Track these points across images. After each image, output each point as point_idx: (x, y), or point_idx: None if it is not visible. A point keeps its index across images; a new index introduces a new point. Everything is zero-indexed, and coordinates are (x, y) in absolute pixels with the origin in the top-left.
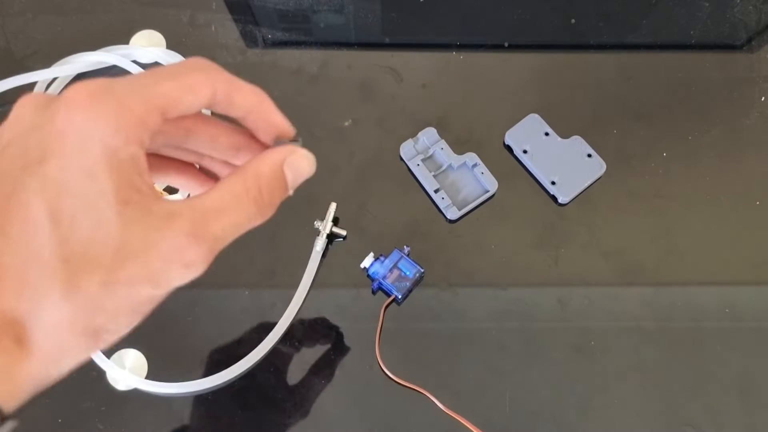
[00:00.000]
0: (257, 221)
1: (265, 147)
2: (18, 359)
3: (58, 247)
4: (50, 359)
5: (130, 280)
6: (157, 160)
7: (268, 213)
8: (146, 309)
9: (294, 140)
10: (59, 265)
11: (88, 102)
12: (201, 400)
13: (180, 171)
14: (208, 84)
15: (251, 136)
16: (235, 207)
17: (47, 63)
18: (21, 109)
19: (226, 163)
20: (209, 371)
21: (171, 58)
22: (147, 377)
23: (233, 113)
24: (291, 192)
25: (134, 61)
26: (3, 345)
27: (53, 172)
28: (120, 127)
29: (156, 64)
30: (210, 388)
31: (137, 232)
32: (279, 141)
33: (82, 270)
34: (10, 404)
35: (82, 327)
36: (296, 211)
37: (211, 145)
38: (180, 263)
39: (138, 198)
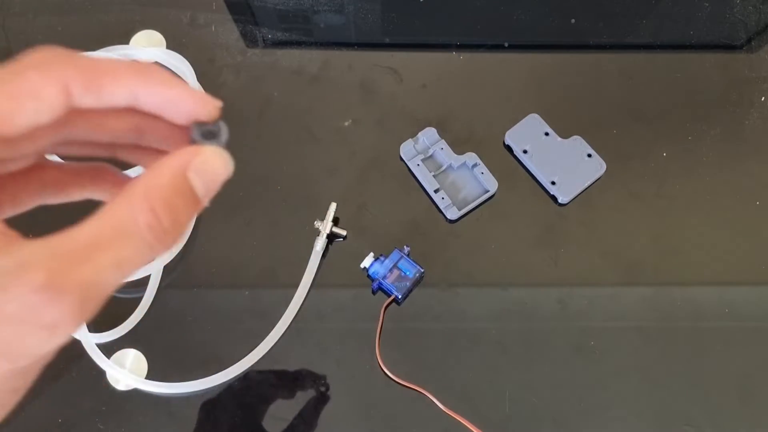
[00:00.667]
0: (157, 251)
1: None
2: None
3: None
4: None
5: None
6: (57, 170)
7: (172, 238)
8: (12, 388)
9: (211, 127)
10: None
11: None
12: (201, 400)
13: (97, 178)
14: (52, 81)
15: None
16: (117, 240)
17: None
18: None
19: (147, 150)
20: (209, 371)
21: (171, 57)
22: (147, 377)
23: (116, 104)
24: (206, 203)
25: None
26: None
27: None
28: None
29: (156, 64)
30: (210, 388)
31: None
32: (197, 125)
33: None
34: None
35: None
36: (296, 211)
37: (103, 133)
38: (37, 326)
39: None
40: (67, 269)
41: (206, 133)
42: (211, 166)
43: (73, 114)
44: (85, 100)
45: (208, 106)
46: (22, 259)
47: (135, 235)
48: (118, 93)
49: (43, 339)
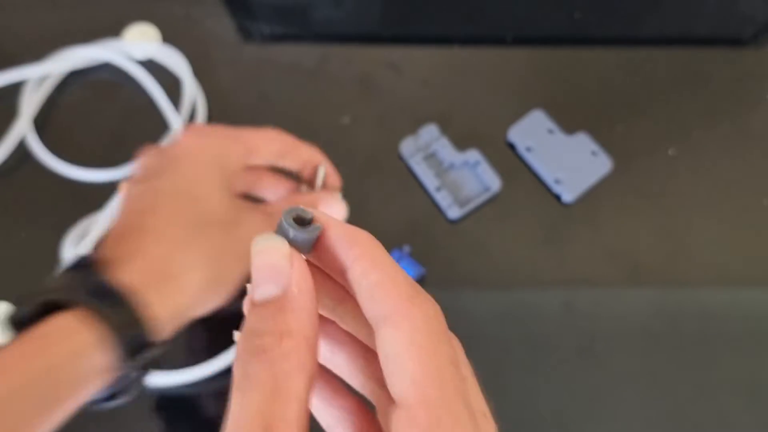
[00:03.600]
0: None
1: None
2: (166, 294)
3: (191, 214)
4: (189, 297)
5: (238, 235)
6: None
7: None
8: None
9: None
10: (192, 223)
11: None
12: (201, 400)
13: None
14: (277, 140)
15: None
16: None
17: (38, 57)
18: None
19: None
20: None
21: (166, 53)
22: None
23: (291, 165)
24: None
25: (130, 58)
26: (155, 282)
27: (185, 168)
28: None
29: (150, 60)
30: (201, 377)
31: (235, 209)
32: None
33: (207, 226)
34: (158, 333)
35: (209, 271)
36: None
37: (273, 191)
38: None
39: (232, 191)
40: (272, 212)
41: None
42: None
43: (264, 173)
44: (283, 160)
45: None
46: (252, 205)
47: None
48: (297, 161)
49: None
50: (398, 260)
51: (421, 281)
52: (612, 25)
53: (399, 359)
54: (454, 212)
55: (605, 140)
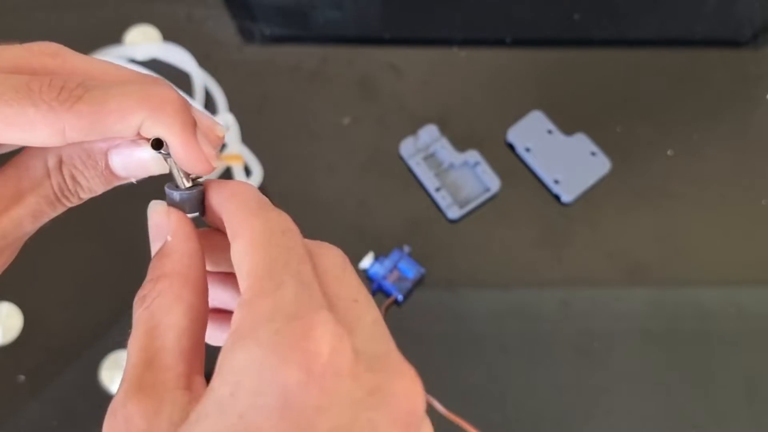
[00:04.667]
0: (62, 208)
1: None
2: None
3: None
4: None
5: None
6: None
7: (78, 199)
8: None
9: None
10: None
11: None
12: None
13: None
14: (47, 130)
15: None
16: (33, 194)
17: None
18: None
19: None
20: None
21: (170, 50)
22: None
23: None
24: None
25: (132, 60)
26: None
27: None
28: None
29: (154, 60)
30: None
31: None
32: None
33: None
34: None
35: None
36: (296, 210)
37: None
38: None
39: None
40: None
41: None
42: (140, 162)
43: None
44: (85, 138)
45: (199, 167)
46: None
47: (47, 192)
48: (122, 132)
49: None
50: (398, 260)
51: (421, 281)
52: (611, 27)
53: (240, 261)
54: (453, 212)
55: (604, 141)
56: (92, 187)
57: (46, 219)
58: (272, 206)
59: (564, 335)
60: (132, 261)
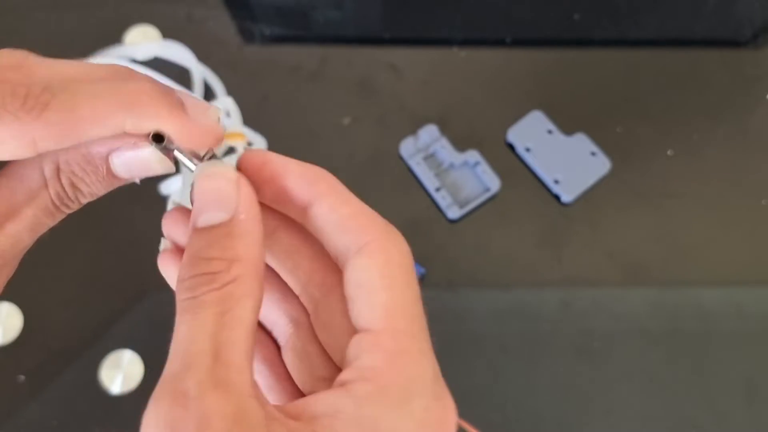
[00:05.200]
0: (60, 216)
1: None
2: None
3: None
4: None
5: None
6: None
7: (78, 205)
8: None
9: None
10: None
11: None
12: None
13: None
14: (17, 141)
15: None
16: (30, 206)
17: None
18: None
19: None
20: None
21: (170, 48)
22: (143, 380)
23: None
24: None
25: (133, 60)
26: None
27: None
28: None
29: (156, 59)
30: None
31: None
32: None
33: None
34: None
35: None
36: None
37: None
38: None
39: None
40: None
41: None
42: (143, 162)
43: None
44: (59, 146)
45: (204, 139)
46: None
47: (45, 203)
48: (101, 134)
49: None
50: None
51: (421, 281)
52: (611, 27)
53: (371, 288)
54: (453, 212)
55: (604, 141)
56: (93, 191)
57: (44, 230)
58: (391, 225)
59: (564, 335)
60: (132, 261)
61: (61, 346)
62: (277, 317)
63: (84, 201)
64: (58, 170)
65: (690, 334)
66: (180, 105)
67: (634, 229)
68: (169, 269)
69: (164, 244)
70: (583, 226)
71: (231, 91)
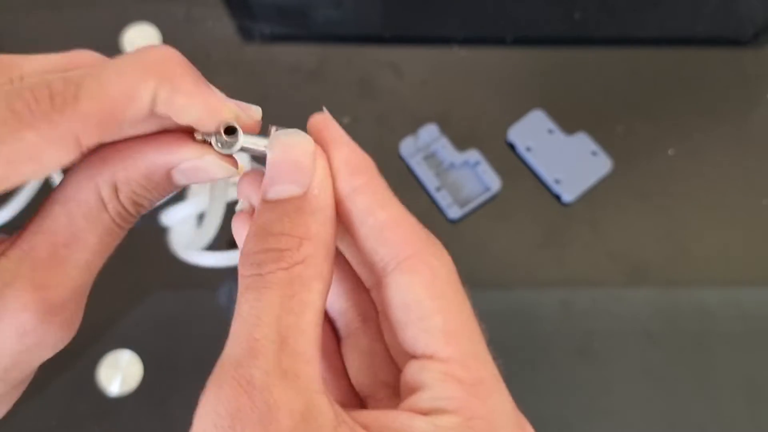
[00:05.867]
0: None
1: None
2: None
3: None
4: None
5: None
6: None
7: (136, 220)
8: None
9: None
10: None
11: None
12: (197, 404)
13: None
14: (57, 144)
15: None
16: (89, 231)
17: None
18: None
19: None
20: (209, 374)
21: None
22: (143, 381)
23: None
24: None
25: None
26: None
27: None
28: None
29: None
30: None
31: None
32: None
33: None
34: None
35: None
36: None
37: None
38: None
39: None
40: (52, 279)
41: (219, 139)
42: (205, 169)
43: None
44: (104, 138)
45: (220, 115)
46: (5, 278)
47: (107, 224)
48: (138, 115)
49: (37, 355)
50: None
51: None
52: (612, 26)
53: (423, 312)
54: (454, 212)
55: (605, 140)
56: (154, 203)
57: (111, 251)
58: (431, 233)
59: (564, 335)
60: (132, 261)
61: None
62: (345, 308)
63: (144, 212)
64: (116, 190)
65: (691, 334)
66: (204, 81)
67: (635, 229)
68: (242, 232)
69: (241, 204)
70: (584, 226)
71: (230, 91)
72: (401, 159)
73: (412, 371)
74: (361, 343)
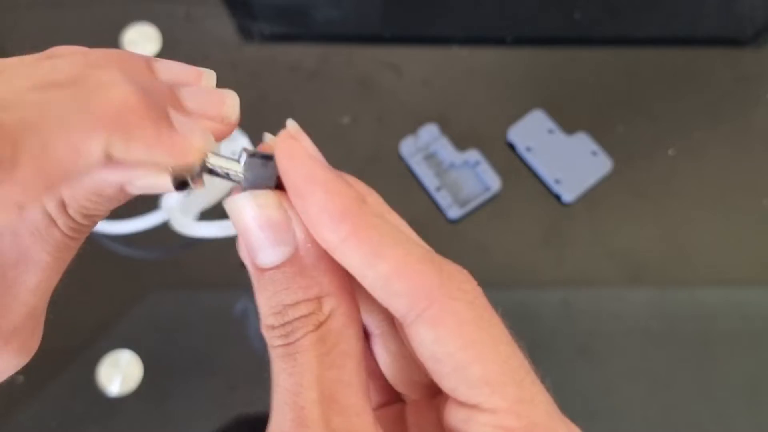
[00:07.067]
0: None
1: None
2: None
3: None
4: None
5: None
6: None
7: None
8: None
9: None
10: None
11: None
12: (197, 404)
13: None
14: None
15: None
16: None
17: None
18: None
19: None
20: (209, 374)
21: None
22: (143, 381)
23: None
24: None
25: None
26: None
27: None
28: None
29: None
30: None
31: None
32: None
33: None
34: None
35: None
36: None
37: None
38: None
39: None
40: (1, 306)
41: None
42: (163, 186)
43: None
44: (48, 196)
45: (188, 159)
46: None
47: (58, 239)
48: (87, 167)
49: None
50: None
51: None
52: (612, 26)
53: (457, 364)
54: (454, 212)
55: (605, 140)
56: (107, 212)
57: (68, 262)
58: (441, 258)
59: (565, 335)
60: (131, 260)
61: (59, 346)
62: (370, 308)
63: (100, 221)
64: (63, 205)
65: (692, 334)
66: (166, 119)
67: (636, 229)
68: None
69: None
70: (584, 226)
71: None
72: (401, 159)
73: (458, 420)
74: (390, 346)
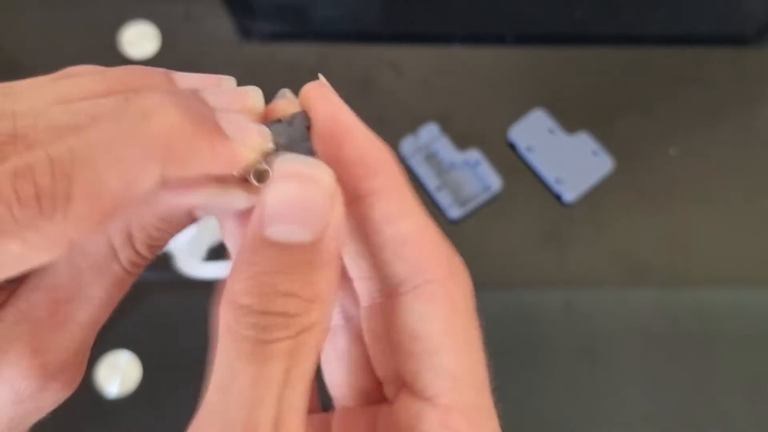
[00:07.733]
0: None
1: None
2: None
3: None
4: None
5: None
6: None
7: None
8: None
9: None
10: None
11: None
12: (196, 404)
13: None
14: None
15: None
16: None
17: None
18: None
19: None
20: (207, 374)
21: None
22: (141, 382)
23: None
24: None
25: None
26: None
27: None
28: None
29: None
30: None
31: None
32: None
33: None
34: None
35: None
36: None
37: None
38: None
39: None
40: (52, 341)
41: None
42: (230, 203)
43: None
44: (101, 231)
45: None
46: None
47: (117, 276)
48: (139, 199)
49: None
50: None
51: None
52: (613, 24)
53: (433, 347)
54: (454, 212)
55: (606, 140)
56: (167, 243)
57: (116, 305)
58: (451, 247)
59: (566, 335)
60: None
61: None
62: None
63: (159, 252)
64: (130, 237)
65: (694, 334)
66: (217, 130)
67: (637, 229)
68: (235, 235)
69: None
70: (586, 226)
71: None
72: (401, 159)
73: (408, 415)
74: (339, 342)
